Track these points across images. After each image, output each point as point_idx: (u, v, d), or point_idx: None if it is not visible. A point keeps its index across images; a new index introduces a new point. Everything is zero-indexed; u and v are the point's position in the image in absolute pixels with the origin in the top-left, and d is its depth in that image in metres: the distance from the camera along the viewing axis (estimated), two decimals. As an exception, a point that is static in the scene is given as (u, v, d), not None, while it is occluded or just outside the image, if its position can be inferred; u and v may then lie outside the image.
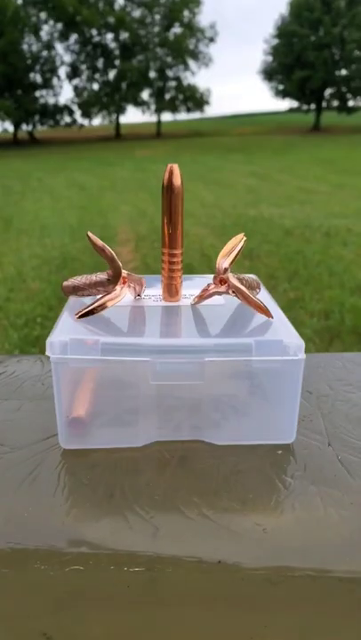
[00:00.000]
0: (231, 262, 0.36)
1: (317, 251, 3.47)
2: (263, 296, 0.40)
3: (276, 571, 0.28)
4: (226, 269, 0.36)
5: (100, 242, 0.36)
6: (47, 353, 0.33)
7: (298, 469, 0.34)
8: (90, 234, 0.36)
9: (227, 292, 0.36)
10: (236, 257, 0.36)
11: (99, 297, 0.36)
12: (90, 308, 0.35)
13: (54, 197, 6.16)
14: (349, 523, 0.30)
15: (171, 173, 0.36)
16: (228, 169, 8.58)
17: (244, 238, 0.38)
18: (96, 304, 0.35)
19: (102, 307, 0.35)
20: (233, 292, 0.35)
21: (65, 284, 0.39)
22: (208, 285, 0.37)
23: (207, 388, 0.34)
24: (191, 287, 0.41)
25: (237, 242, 0.37)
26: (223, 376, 0.34)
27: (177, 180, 0.36)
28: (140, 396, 0.34)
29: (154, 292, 0.41)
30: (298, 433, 0.37)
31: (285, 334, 0.34)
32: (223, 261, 0.36)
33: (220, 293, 0.36)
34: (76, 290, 0.38)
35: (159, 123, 22.72)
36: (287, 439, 0.36)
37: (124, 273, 0.36)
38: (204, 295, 0.36)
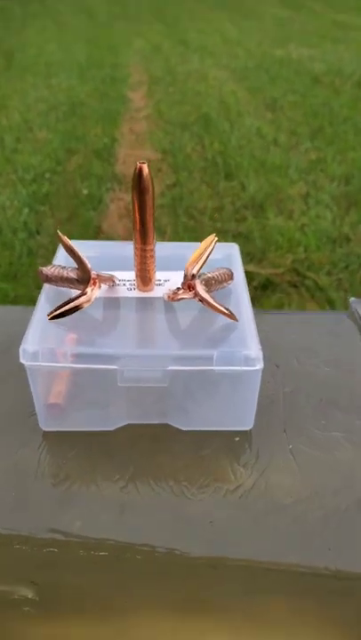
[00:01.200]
0: (200, 268, 0.37)
1: (346, 104, 3.22)
2: (237, 285, 0.41)
3: (219, 560, 0.33)
4: (193, 276, 0.37)
5: (68, 242, 0.36)
6: (21, 359, 0.35)
7: (251, 458, 0.38)
8: (59, 232, 0.36)
9: (193, 298, 0.37)
10: (205, 261, 0.37)
11: (71, 298, 0.37)
12: (61, 311, 0.36)
13: (59, 27, 5.58)
14: (288, 517, 0.35)
15: (140, 174, 0.35)
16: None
17: (215, 239, 0.38)
18: (67, 307, 0.36)
19: (74, 309, 0.37)
20: (199, 300, 0.37)
21: (40, 270, 0.40)
22: (177, 289, 0.38)
23: (171, 388, 0.37)
24: (166, 262, 0.42)
25: (207, 245, 0.37)
26: (186, 380, 0.37)
27: (146, 182, 0.35)
28: (110, 392, 0.37)
29: (128, 277, 0.42)
30: (258, 415, 0.40)
31: (247, 342, 0.36)
32: (192, 267, 0.37)
33: (186, 299, 0.38)
34: (49, 280, 0.39)
35: None
36: (246, 426, 0.40)
37: (94, 274, 0.37)
38: (173, 299, 0.38)
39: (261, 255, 1.83)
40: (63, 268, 0.39)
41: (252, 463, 0.38)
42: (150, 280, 0.40)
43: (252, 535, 0.34)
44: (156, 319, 0.39)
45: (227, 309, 0.37)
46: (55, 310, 0.37)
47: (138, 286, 0.41)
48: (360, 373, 0.45)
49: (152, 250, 0.39)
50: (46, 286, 0.41)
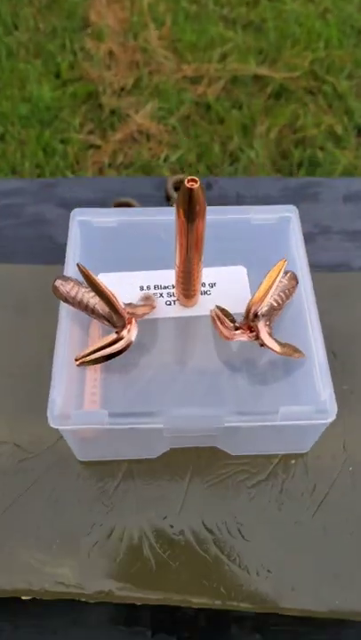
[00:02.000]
0: (267, 308, 0.29)
1: None
2: (302, 293, 0.33)
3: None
4: (256, 316, 0.29)
5: (95, 278, 0.28)
6: (50, 423, 0.30)
7: (306, 490, 0.35)
8: (82, 267, 0.28)
9: (254, 341, 0.30)
10: (272, 295, 0.29)
11: (103, 341, 0.30)
12: (92, 358, 0.30)
13: None
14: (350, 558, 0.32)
15: (190, 197, 0.25)
16: None
17: (285, 264, 0.29)
18: (100, 354, 0.30)
19: (108, 357, 0.30)
20: (261, 345, 0.29)
21: (56, 284, 0.32)
22: (235, 327, 0.30)
23: (224, 434, 0.32)
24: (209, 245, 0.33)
25: (276, 274, 0.29)
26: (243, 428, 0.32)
27: (199, 205, 0.26)
28: (153, 438, 0.32)
29: (165, 280, 0.33)
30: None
31: (318, 387, 0.30)
32: (257, 306, 0.29)
33: (245, 341, 0.30)
34: (67, 302, 0.31)
35: None
36: (302, 450, 0.36)
37: (129, 315, 0.29)
38: (228, 338, 0.30)
39: (276, 54, 1.60)
40: (87, 290, 0.31)
41: (312, 488, 0.35)
42: (195, 294, 0.32)
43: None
44: (205, 357, 0.32)
45: (294, 348, 0.30)
46: (84, 356, 0.30)
47: (178, 299, 0.33)
48: None
49: (200, 271, 0.30)
50: (63, 309, 0.33)
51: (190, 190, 0.25)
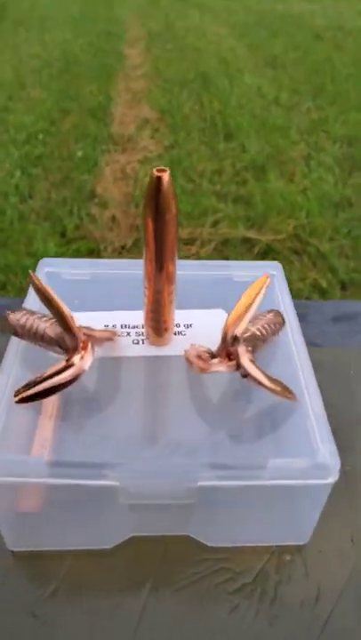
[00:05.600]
0: (244, 329, 0.24)
1: (348, 61, 3.08)
2: (288, 333, 0.29)
3: None
4: (236, 339, 0.24)
5: (43, 286, 0.24)
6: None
7: (310, 593, 0.26)
8: (31, 273, 0.24)
9: (235, 371, 0.25)
10: (251, 318, 0.24)
11: (48, 372, 0.24)
12: (32, 392, 0.24)
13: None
14: None
15: (158, 187, 0.22)
16: None
17: (268, 282, 0.25)
18: (42, 387, 0.24)
19: (51, 391, 0.24)
20: (243, 375, 0.24)
21: (5, 315, 0.27)
22: (210, 355, 0.25)
23: (199, 503, 0.25)
24: (187, 295, 0.29)
25: (255, 294, 0.25)
26: (222, 494, 0.25)
27: (167, 198, 0.22)
28: (106, 508, 0.25)
29: (134, 321, 0.29)
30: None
31: (313, 439, 0.24)
32: (235, 326, 0.24)
33: (223, 372, 0.25)
34: (17, 334, 0.27)
35: None
36: (299, 540, 0.28)
37: (85, 337, 0.24)
38: (204, 369, 0.25)
39: (263, 220, 1.74)
40: (38, 316, 0.26)
41: (314, 597, 0.26)
42: (166, 330, 0.27)
43: None
44: (175, 398, 0.26)
45: (285, 387, 0.24)
46: (25, 389, 0.24)
47: (148, 337, 0.28)
48: None
49: (172, 293, 0.26)
50: (13, 342, 0.28)
51: (159, 180, 0.22)
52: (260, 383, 0.24)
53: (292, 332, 0.29)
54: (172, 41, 3.47)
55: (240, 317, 0.24)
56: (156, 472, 0.23)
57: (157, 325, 0.27)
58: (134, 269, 0.31)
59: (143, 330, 0.28)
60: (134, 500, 0.24)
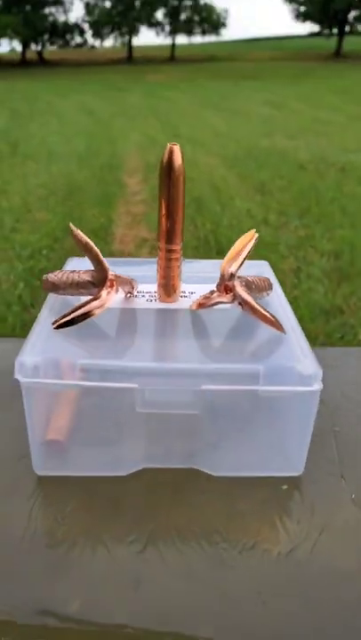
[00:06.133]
0: (239, 266, 0.30)
1: (331, 187, 3.33)
2: (276, 298, 0.35)
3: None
4: (232, 275, 0.30)
5: (84, 237, 0.30)
6: (16, 375, 0.28)
7: (305, 512, 0.30)
8: (73, 227, 0.30)
9: (232, 303, 0.30)
10: (245, 259, 0.30)
11: (81, 303, 0.30)
12: (69, 318, 0.29)
13: (62, 122, 5.92)
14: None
15: (171, 154, 0.29)
16: (243, 96, 8.19)
17: (256, 235, 0.31)
18: (77, 313, 0.29)
19: (84, 316, 0.29)
20: (239, 303, 0.30)
21: (45, 278, 0.33)
22: (211, 292, 0.31)
23: (204, 416, 0.29)
24: (192, 278, 0.35)
25: (247, 241, 0.31)
26: (223, 405, 0.29)
27: (178, 163, 0.29)
28: (126, 422, 0.30)
29: (148, 289, 0.35)
30: (306, 459, 0.32)
31: (299, 357, 0.29)
32: (229, 265, 0.30)
33: (223, 303, 0.31)
34: (56, 288, 0.32)
35: (173, 46, 21.41)
36: (294, 471, 0.31)
37: (112, 275, 0.30)
38: (205, 304, 0.31)
39: None
40: (73, 271, 0.32)
41: (307, 519, 0.29)
42: (175, 290, 0.33)
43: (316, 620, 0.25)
44: (182, 333, 0.31)
45: (273, 317, 0.30)
46: (62, 318, 0.30)
47: (160, 297, 0.34)
48: None
49: (179, 252, 0.32)
50: (50, 298, 0.34)
51: (171, 150, 0.29)
52: (253, 310, 0.29)
53: (278, 297, 0.35)
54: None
55: (235, 258, 0.30)
56: (167, 376, 0.28)
57: (167, 283, 0.33)
58: (148, 266, 0.38)
59: (156, 294, 0.34)
60: (148, 408, 0.28)
